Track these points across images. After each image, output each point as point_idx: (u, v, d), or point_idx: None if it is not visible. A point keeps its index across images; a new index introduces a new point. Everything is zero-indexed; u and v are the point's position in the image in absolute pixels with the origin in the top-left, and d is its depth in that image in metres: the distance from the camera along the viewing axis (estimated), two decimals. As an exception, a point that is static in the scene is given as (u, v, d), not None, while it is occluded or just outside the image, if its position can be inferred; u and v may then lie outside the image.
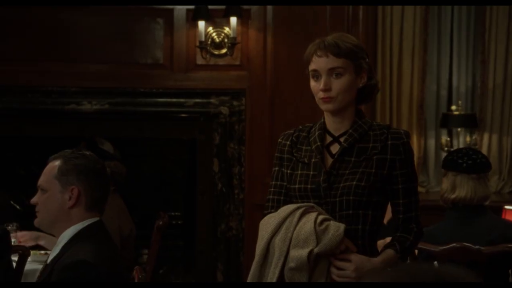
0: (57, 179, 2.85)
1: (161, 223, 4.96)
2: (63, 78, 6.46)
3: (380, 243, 3.17)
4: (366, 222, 2.78)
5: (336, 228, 2.70)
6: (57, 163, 2.88)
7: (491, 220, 3.91)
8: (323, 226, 2.70)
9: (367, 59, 2.84)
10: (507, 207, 5.12)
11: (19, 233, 4.67)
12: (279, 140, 2.95)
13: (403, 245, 2.80)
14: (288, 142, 2.91)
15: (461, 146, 6.78)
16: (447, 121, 6.77)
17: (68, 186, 2.83)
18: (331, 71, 2.79)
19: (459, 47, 6.92)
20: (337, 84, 2.78)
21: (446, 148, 6.74)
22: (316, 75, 2.82)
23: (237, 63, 6.50)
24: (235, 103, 6.53)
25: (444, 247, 3.76)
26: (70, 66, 6.46)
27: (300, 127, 2.94)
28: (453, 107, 6.77)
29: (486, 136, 6.80)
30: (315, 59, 2.81)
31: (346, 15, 6.44)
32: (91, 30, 6.48)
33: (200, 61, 6.48)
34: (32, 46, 6.46)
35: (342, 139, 2.83)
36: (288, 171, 2.87)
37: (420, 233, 2.86)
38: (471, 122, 6.74)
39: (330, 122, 2.86)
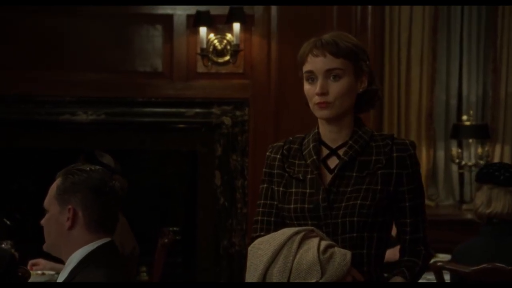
0: (56, 198, 2.62)
1: (166, 240, 4.72)
2: (57, 87, 6.27)
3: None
4: (371, 246, 2.51)
5: (342, 256, 2.41)
6: (57, 180, 2.65)
7: None
8: (327, 254, 2.41)
9: (368, 62, 2.57)
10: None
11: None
12: (268, 153, 2.65)
13: (413, 271, 2.55)
14: (278, 156, 2.61)
15: (473, 158, 6.62)
16: (457, 132, 6.57)
17: (65, 206, 2.60)
18: (328, 73, 2.51)
19: (469, 55, 6.75)
20: (335, 88, 2.50)
21: (457, 160, 6.54)
22: (312, 77, 2.53)
23: (240, 71, 6.34)
24: (238, 113, 6.37)
25: (475, 268, 3.58)
26: (64, 74, 6.28)
27: (291, 138, 2.64)
28: (464, 117, 6.58)
29: (498, 148, 6.62)
30: (310, 59, 2.53)
31: (354, 22, 6.29)
32: (87, 37, 6.30)
33: (201, 69, 6.32)
34: (24, 54, 6.26)
35: (341, 152, 2.54)
36: (281, 189, 2.57)
37: (429, 256, 2.61)
38: (482, 133, 6.54)
39: (326, 132, 2.57)
